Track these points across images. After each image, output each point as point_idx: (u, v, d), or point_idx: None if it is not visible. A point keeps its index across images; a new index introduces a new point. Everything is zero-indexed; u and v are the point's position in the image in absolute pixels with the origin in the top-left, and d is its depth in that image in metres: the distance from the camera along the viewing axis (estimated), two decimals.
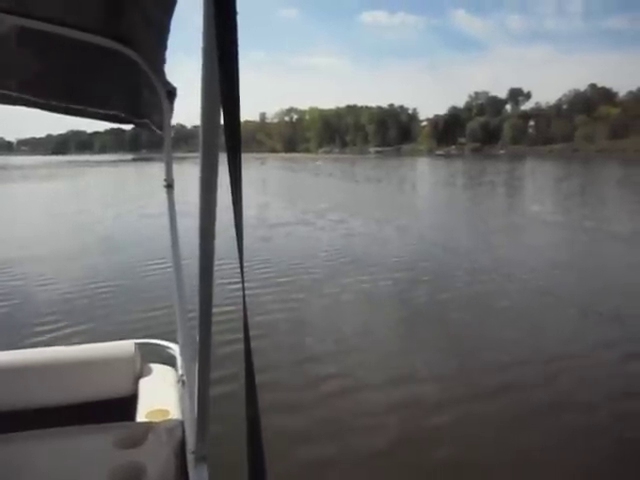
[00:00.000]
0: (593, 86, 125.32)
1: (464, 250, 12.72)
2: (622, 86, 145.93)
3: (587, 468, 4.04)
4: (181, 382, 2.54)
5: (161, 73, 1.73)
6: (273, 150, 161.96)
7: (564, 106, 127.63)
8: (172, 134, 2.31)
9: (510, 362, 5.94)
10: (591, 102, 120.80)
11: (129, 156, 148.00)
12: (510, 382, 5.45)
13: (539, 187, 35.68)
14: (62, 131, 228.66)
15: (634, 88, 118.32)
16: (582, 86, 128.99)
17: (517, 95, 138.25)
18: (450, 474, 4.00)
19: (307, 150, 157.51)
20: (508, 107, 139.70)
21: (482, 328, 7.33)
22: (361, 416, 4.78)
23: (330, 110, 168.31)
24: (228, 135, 0.56)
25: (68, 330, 6.99)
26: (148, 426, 2.15)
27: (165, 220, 2.32)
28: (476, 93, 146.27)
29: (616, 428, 4.57)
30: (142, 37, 1.46)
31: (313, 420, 4.70)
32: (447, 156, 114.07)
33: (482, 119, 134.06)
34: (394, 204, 23.90)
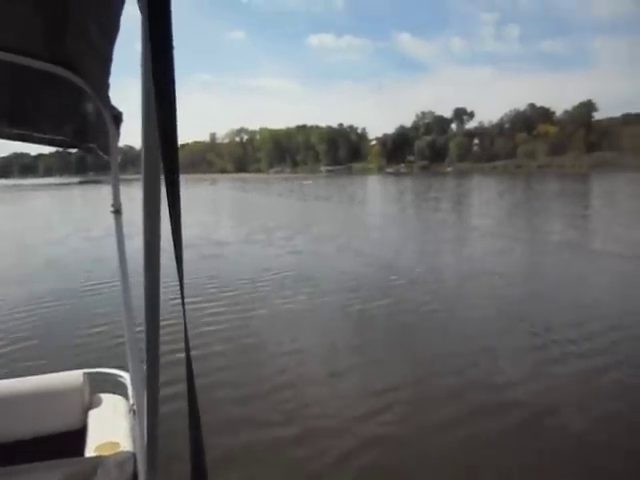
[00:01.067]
0: (532, 105, 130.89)
1: (399, 263, 13.36)
2: (559, 106, 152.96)
3: None
4: (132, 412, 2.46)
5: (106, 98, 1.73)
6: (224, 170, 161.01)
7: (506, 125, 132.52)
8: (119, 157, 2.28)
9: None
10: (531, 121, 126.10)
11: (75, 179, 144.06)
12: None
13: (482, 201, 36.94)
14: (4, 154, 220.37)
15: (569, 107, 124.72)
16: (522, 105, 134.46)
17: (461, 114, 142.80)
18: None
19: (258, 170, 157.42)
20: (453, 126, 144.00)
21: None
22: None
23: (280, 130, 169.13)
24: (165, 159, 0.55)
25: None
26: (98, 461, 2.05)
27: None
28: (423, 113, 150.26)
29: None
30: (86, 63, 1.46)
31: None
32: (397, 174, 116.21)
33: (429, 138, 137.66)
34: (339, 221, 24.27)
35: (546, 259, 13.92)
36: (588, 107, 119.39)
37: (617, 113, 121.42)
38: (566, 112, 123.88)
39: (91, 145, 2.16)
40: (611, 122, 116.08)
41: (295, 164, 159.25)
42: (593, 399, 5.46)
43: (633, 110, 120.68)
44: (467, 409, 5.23)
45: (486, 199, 38.92)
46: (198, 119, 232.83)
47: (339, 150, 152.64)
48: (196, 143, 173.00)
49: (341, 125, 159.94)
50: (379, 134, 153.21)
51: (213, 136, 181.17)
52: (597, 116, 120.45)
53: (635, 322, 7.97)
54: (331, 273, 12.19)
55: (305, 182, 79.15)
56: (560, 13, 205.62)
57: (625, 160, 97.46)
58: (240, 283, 11.25)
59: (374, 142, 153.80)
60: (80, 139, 2.13)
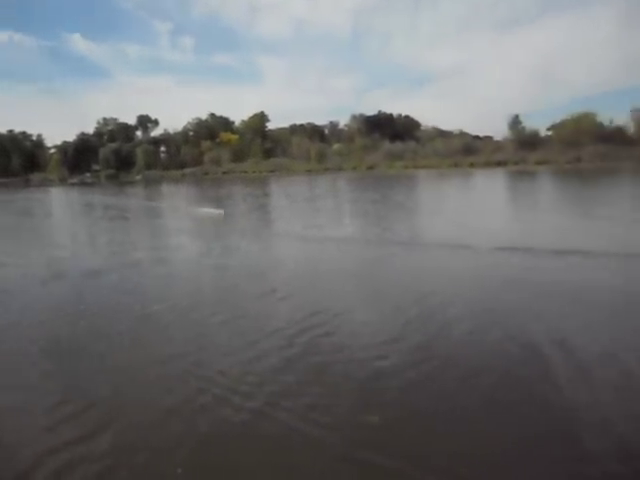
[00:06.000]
0: (213, 115, 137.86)
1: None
2: (236, 116, 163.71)
3: None
4: None
5: None
6: None
7: (190, 132, 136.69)
8: None
9: None
10: (213, 129, 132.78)
11: None
12: None
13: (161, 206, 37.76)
14: None
15: (245, 117, 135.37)
16: (204, 115, 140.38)
17: (146, 122, 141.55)
18: None
19: None
20: (139, 133, 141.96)
21: None
22: None
23: None
24: None
25: None
26: None
27: None
28: (105, 119, 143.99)
29: None
30: None
31: None
32: (81, 184, 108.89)
33: (114, 145, 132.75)
34: None
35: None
36: (261, 118, 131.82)
37: (285, 124, 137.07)
38: (243, 122, 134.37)
39: None
40: (281, 131, 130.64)
41: None
42: None
43: (298, 121, 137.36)
44: None
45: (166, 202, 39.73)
46: None
47: (12, 160, 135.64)
48: None
49: (11, 131, 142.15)
50: (59, 142, 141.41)
51: None
52: (270, 126, 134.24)
53: None
54: None
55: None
56: (230, 28, 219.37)
57: (295, 165, 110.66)
58: None
59: (54, 150, 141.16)
60: None
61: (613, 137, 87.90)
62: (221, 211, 27.33)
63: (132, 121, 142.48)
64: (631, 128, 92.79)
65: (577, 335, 7.37)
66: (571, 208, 25.06)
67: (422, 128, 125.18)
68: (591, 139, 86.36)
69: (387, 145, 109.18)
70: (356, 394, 6.00)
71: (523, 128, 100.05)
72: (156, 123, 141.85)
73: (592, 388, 5.89)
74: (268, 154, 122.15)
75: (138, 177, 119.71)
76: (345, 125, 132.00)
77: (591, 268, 11.66)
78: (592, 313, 8.40)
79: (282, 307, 9.35)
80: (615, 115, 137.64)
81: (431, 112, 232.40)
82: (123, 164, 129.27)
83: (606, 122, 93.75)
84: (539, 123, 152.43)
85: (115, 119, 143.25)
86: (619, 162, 72.17)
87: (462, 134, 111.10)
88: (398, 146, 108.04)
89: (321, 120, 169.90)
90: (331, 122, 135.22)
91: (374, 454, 4.84)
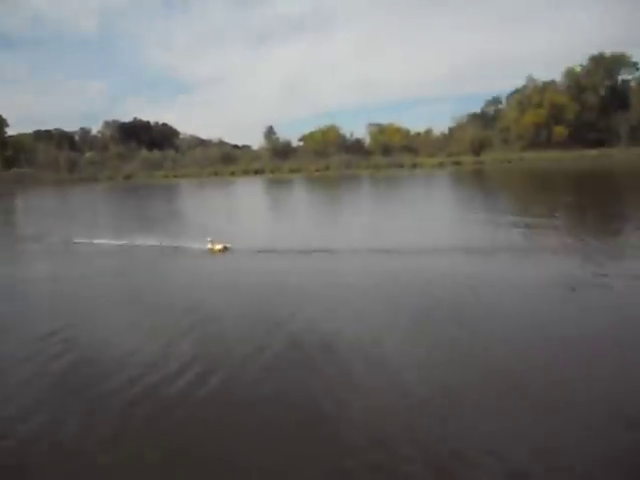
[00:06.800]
0: None
1: None
2: None
3: None
4: None
5: None
6: None
7: None
8: None
9: None
10: None
11: None
12: None
13: None
14: None
15: None
16: None
17: None
18: None
19: None
20: None
21: None
22: None
23: None
24: None
25: None
26: None
27: None
28: None
29: None
30: None
31: None
32: None
33: None
34: None
35: None
36: None
37: (29, 129, 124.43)
38: None
39: None
40: (23, 138, 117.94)
41: None
42: None
43: (43, 127, 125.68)
44: None
45: None
46: None
47: None
48: None
49: None
50: None
51: None
52: (9, 132, 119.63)
53: None
54: None
55: None
56: None
57: (43, 176, 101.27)
58: None
59: None
60: None
61: (353, 148, 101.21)
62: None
63: None
64: (367, 140, 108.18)
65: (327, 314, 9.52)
66: (319, 212, 29.58)
67: (181, 137, 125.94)
68: (336, 149, 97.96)
69: (144, 153, 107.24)
70: (117, 418, 6.31)
71: (277, 138, 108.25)
72: None
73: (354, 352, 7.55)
74: (9, 164, 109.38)
75: None
76: (98, 132, 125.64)
77: (335, 265, 14.31)
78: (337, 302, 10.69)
79: (31, 324, 9.86)
80: (354, 129, 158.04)
81: (190, 121, 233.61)
82: None
83: (347, 135, 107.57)
84: (291, 134, 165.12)
85: None
86: (360, 170, 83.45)
87: (221, 143, 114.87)
88: (156, 155, 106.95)
89: (71, 126, 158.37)
90: (82, 128, 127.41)
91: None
